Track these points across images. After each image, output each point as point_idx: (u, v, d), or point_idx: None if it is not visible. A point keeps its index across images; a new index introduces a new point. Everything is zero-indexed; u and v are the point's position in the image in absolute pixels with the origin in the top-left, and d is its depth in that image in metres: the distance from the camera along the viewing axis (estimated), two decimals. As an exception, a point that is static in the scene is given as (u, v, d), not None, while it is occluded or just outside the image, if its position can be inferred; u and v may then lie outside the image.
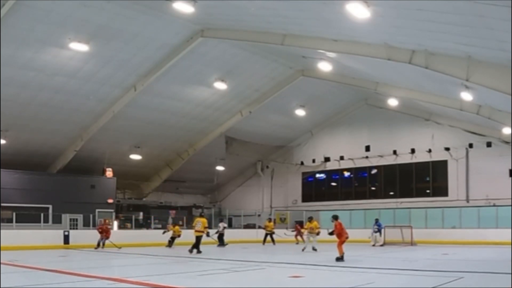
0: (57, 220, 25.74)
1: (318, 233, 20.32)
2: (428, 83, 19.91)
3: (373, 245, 24.19)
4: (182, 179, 35.07)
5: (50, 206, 26.12)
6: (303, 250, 20.22)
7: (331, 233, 15.17)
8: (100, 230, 22.15)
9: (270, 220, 28.04)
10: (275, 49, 22.03)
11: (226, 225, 26.51)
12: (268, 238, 26.29)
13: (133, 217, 29.54)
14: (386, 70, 20.14)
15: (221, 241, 24.29)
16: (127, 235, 25.54)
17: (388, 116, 31.33)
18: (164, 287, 9.16)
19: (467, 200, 28.28)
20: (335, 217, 15.25)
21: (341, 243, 14.74)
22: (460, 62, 14.60)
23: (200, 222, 19.28)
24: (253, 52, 23.33)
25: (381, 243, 24.57)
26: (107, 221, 25.22)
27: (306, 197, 35.85)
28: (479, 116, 22.08)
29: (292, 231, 27.51)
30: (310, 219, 21.24)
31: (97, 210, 27.91)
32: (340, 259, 14.37)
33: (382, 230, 25.00)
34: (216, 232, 24.31)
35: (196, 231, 19.13)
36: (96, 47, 20.21)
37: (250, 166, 37.58)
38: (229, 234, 30.61)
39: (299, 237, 26.66)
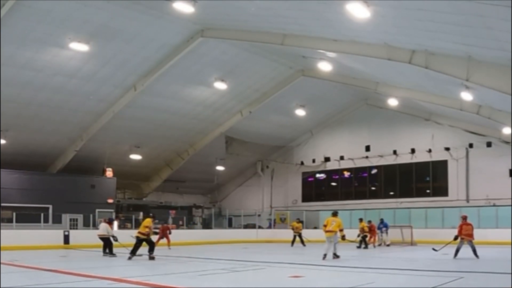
0: (57, 220, 25.75)
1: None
2: (428, 83, 19.90)
3: (379, 245, 24.21)
4: (182, 179, 35.06)
5: (50, 206, 26.12)
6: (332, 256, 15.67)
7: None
8: None
9: (298, 220, 26.45)
10: (275, 49, 22.01)
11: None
12: (297, 238, 25.22)
13: (133, 217, 29.46)
14: (386, 70, 20.14)
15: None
16: (127, 235, 25.45)
17: (388, 116, 31.32)
18: (164, 287, 9.16)
19: (467, 200, 28.26)
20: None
21: None
22: (460, 62, 14.61)
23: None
24: (253, 52, 23.31)
25: (388, 242, 24.56)
26: None
27: (306, 197, 35.83)
28: (479, 116, 22.07)
29: (156, 232, 20.20)
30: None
31: (97, 210, 27.92)
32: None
33: (385, 230, 24.96)
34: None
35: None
36: (96, 47, 20.20)
37: (250, 166, 37.58)
38: (229, 234, 30.72)
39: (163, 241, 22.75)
